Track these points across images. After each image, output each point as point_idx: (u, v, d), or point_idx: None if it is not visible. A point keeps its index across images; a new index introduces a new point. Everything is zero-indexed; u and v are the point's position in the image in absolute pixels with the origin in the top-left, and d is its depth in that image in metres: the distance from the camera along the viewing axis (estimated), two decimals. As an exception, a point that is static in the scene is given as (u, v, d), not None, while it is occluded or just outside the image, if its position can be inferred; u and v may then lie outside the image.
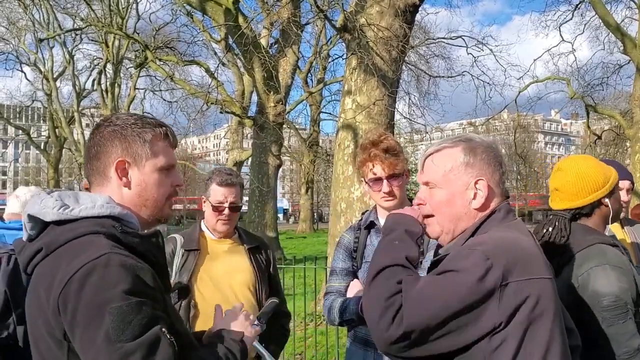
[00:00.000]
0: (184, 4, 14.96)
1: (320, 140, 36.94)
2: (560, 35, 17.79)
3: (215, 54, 20.61)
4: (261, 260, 2.68)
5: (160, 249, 1.41)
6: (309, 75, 24.63)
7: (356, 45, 7.71)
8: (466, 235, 1.50)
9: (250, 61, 13.15)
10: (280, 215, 51.60)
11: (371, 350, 2.25)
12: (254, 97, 16.33)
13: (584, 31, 18.53)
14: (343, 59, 13.01)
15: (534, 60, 18.75)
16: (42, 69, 26.95)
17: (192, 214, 42.40)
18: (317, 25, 20.72)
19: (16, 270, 2.56)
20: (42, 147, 31.61)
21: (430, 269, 1.58)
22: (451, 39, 19.73)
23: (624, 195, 2.85)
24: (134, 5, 23.44)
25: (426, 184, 1.59)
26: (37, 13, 24.97)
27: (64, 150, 30.55)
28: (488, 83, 18.45)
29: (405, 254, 1.48)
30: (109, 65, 24.95)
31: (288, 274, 8.55)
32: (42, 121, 48.06)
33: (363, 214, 2.54)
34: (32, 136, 32.14)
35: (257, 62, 12.87)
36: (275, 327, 2.48)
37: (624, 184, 2.83)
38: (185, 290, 1.83)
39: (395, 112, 9.21)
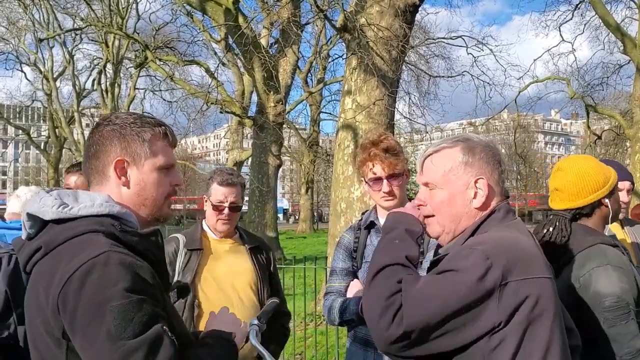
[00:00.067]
0: (184, 4, 14.97)
1: (320, 140, 36.94)
2: (560, 35, 17.81)
3: (215, 54, 20.64)
4: (262, 260, 2.69)
5: (160, 247, 1.41)
6: (309, 75, 24.66)
7: (356, 45, 7.71)
8: (466, 234, 1.50)
9: (250, 61, 13.15)
10: (280, 215, 51.62)
11: (371, 351, 2.25)
12: (254, 97, 16.35)
13: (584, 31, 18.56)
14: (343, 59, 13.04)
15: (534, 60, 18.78)
16: (42, 69, 26.95)
17: (192, 214, 42.40)
18: (317, 25, 20.73)
19: (17, 270, 2.56)
20: (42, 147, 31.61)
21: (430, 269, 1.58)
22: (451, 39, 19.75)
23: (624, 196, 2.85)
24: (134, 5, 23.48)
25: (426, 184, 1.59)
26: (37, 13, 25.00)
27: (64, 150, 30.53)
28: (488, 83, 18.49)
29: (406, 253, 1.48)
30: (109, 65, 24.96)
31: (288, 274, 8.55)
32: (42, 121, 48.06)
33: (363, 214, 2.54)
34: (32, 136, 32.14)
35: (257, 62, 12.87)
36: (275, 326, 2.48)
37: (624, 184, 2.82)
38: (185, 290, 1.83)
39: (395, 112, 9.22)
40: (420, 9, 8.45)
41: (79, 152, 24.71)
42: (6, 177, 76.18)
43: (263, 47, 13.81)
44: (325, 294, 2.42)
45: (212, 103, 14.32)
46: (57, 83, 26.97)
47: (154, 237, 1.39)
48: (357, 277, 2.39)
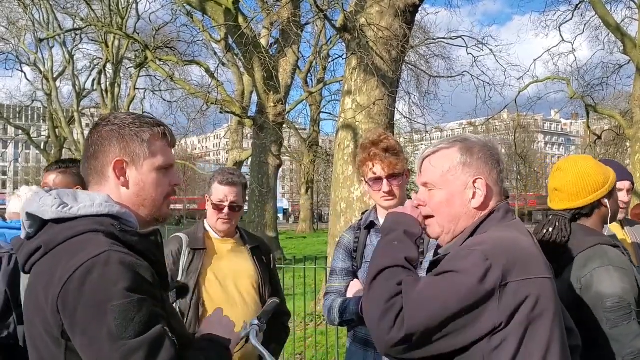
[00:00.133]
0: (184, 4, 14.97)
1: (320, 140, 36.94)
2: (560, 35, 17.80)
3: (215, 54, 20.64)
4: (263, 260, 2.70)
5: (159, 247, 1.41)
6: (309, 75, 24.64)
7: (356, 45, 7.71)
8: (465, 235, 1.50)
9: (250, 61, 13.14)
10: (280, 215, 51.64)
11: (371, 351, 2.25)
12: (254, 97, 16.33)
13: (584, 31, 18.55)
14: (343, 59, 13.04)
15: (534, 60, 18.78)
16: (42, 69, 26.94)
17: (192, 214, 42.42)
18: (317, 25, 20.71)
19: (17, 270, 2.56)
20: (42, 147, 31.59)
21: (429, 269, 1.58)
22: (451, 39, 19.75)
23: (624, 196, 2.84)
24: (134, 5, 23.48)
25: (424, 185, 1.59)
26: (37, 13, 25.00)
27: (64, 150, 30.50)
28: (488, 83, 18.49)
29: (405, 255, 1.48)
30: (109, 65, 24.96)
31: (288, 274, 8.55)
32: (42, 121, 48.04)
33: (363, 214, 2.54)
34: (32, 136, 32.12)
35: (257, 62, 12.87)
36: (276, 325, 2.48)
37: (624, 184, 2.81)
38: (184, 290, 1.83)
39: (395, 112, 9.22)
40: (420, 9, 8.45)
41: (79, 152, 24.69)
42: (6, 177, 76.17)
43: (263, 47, 13.81)
44: (325, 294, 2.42)
45: (212, 103, 14.32)
46: (57, 83, 26.98)
47: (154, 237, 1.39)
48: (357, 277, 2.38)
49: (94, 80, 27.15)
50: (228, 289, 2.54)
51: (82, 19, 21.66)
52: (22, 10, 24.26)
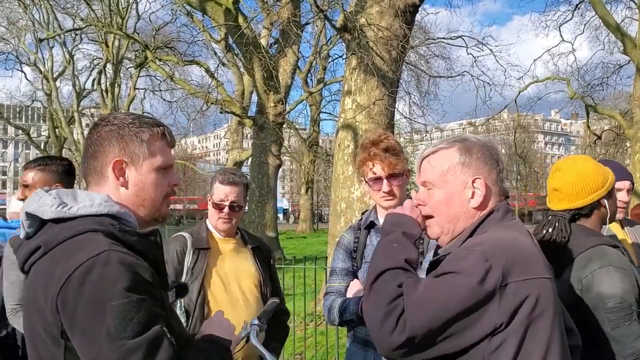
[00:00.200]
0: (184, 4, 14.96)
1: (320, 140, 36.94)
2: (560, 35, 17.80)
3: (215, 54, 20.64)
4: (263, 260, 2.71)
5: (159, 247, 1.41)
6: (309, 75, 24.62)
7: (356, 45, 7.71)
8: (465, 235, 1.50)
9: (250, 61, 13.14)
10: (280, 215, 51.63)
11: (371, 351, 2.25)
12: (254, 97, 16.34)
13: (584, 31, 18.56)
14: (343, 59, 13.04)
15: (534, 60, 18.82)
16: (42, 69, 26.94)
17: (192, 214, 42.42)
18: (317, 25, 20.71)
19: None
20: (42, 147, 31.59)
21: (429, 270, 1.58)
22: (451, 39, 19.77)
23: (624, 196, 2.83)
24: (134, 5, 23.48)
25: (424, 184, 1.59)
26: (37, 13, 25.00)
27: (64, 150, 30.50)
28: (488, 83, 18.53)
29: (405, 257, 1.47)
30: (109, 65, 24.96)
31: (288, 274, 8.55)
32: (42, 121, 48.05)
33: (363, 214, 2.54)
34: (32, 136, 32.14)
35: (257, 62, 12.87)
36: (276, 324, 2.49)
37: (624, 184, 2.80)
38: (183, 289, 1.83)
39: (395, 112, 9.21)
40: (420, 9, 8.45)
41: (79, 152, 24.70)
42: (6, 177, 76.17)
43: (263, 47, 13.80)
44: (325, 294, 2.42)
45: (212, 103, 14.32)
46: (57, 83, 26.98)
47: (153, 237, 1.39)
48: (357, 277, 2.38)
49: (94, 80, 27.17)
50: (231, 289, 2.55)
51: (82, 19, 21.66)
52: (22, 10, 24.26)
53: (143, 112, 22.82)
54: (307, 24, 15.37)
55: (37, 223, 1.33)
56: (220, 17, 12.28)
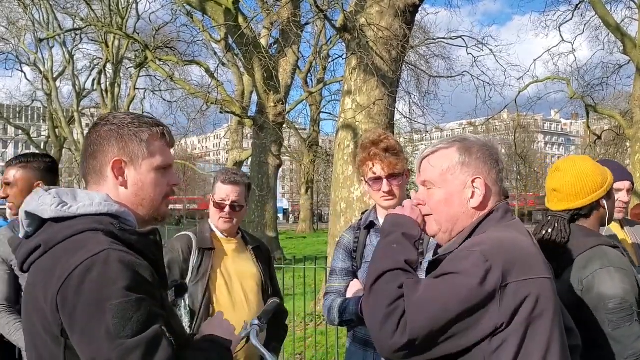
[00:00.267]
0: (184, 4, 14.97)
1: (320, 140, 36.94)
2: (560, 35, 17.80)
3: (215, 54, 20.64)
4: (264, 260, 2.73)
5: (159, 246, 1.41)
6: (309, 75, 24.62)
7: (356, 45, 7.71)
8: (464, 235, 1.50)
9: (250, 61, 13.14)
10: (280, 215, 51.65)
11: (371, 351, 2.25)
12: (254, 97, 16.34)
13: (584, 31, 18.56)
14: (343, 59, 13.03)
15: (534, 60, 18.89)
16: (42, 69, 26.93)
17: (192, 214, 42.40)
18: (317, 25, 20.71)
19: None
20: (42, 147, 31.59)
21: (429, 270, 1.58)
22: (451, 39, 19.77)
23: (624, 196, 2.83)
24: (134, 5, 23.48)
25: (424, 183, 1.59)
26: (37, 13, 24.99)
27: (64, 150, 30.53)
28: (488, 83, 18.54)
29: (405, 258, 1.47)
30: (109, 65, 24.96)
31: (288, 274, 8.55)
32: (42, 121, 48.03)
33: (363, 214, 2.54)
34: (32, 136, 32.14)
35: (257, 62, 12.87)
36: (275, 324, 2.49)
37: (624, 184, 2.80)
38: (182, 289, 1.84)
39: (395, 112, 9.22)
40: (420, 9, 8.46)
41: (79, 152, 24.60)
42: (6, 177, 76.17)
43: (263, 47, 13.81)
44: (325, 294, 2.42)
45: (212, 103, 14.32)
46: (57, 83, 26.97)
47: (153, 236, 1.39)
48: (357, 277, 2.38)
49: (94, 80, 27.16)
50: (234, 289, 2.56)
51: (82, 19, 21.67)
52: (22, 10, 24.26)
53: (143, 112, 22.81)
54: (307, 24, 15.39)
55: (37, 222, 1.33)
56: (220, 17, 12.28)
